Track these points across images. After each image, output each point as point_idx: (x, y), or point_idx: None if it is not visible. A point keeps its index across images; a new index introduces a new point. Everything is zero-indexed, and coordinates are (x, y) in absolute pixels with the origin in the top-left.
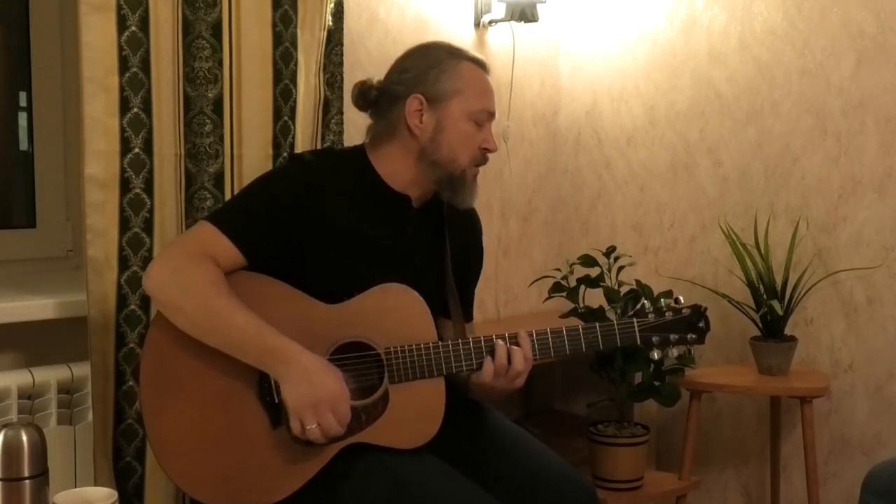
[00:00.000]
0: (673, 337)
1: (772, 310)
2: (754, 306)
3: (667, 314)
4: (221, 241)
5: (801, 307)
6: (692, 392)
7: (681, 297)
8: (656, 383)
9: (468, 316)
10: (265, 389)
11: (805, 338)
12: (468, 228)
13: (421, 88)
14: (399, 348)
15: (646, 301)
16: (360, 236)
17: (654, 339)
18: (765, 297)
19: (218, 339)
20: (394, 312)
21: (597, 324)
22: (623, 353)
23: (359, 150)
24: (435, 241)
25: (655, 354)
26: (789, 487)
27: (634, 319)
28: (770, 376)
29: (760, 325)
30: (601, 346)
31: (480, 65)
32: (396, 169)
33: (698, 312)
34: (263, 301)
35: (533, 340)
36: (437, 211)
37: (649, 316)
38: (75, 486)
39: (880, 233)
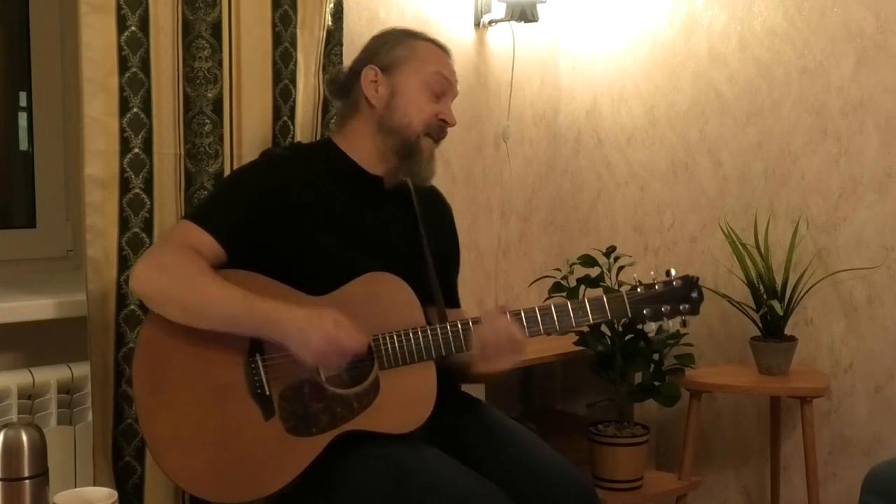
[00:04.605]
0: (665, 308)
1: (772, 310)
2: (754, 306)
3: (657, 286)
4: (201, 235)
5: (801, 307)
6: (692, 392)
7: (673, 270)
8: (656, 383)
9: (454, 302)
10: (255, 383)
11: (805, 338)
12: (437, 209)
13: (375, 59)
14: (387, 335)
15: (635, 275)
16: (337, 221)
17: (646, 311)
18: (765, 297)
19: (211, 319)
20: (381, 300)
21: (586, 298)
22: (623, 352)
23: (326, 140)
24: (409, 222)
25: (648, 328)
26: (789, 487)
27: (624, 292)
28: (770, 376)
29: (760, 325)
30: (591, 321)
31: (439, 46)
32: (361, 145)
33: (690, 283)
34: None
35: (522, 318)
36: (407, 194)
37: (638, 288)
38: (75, 486)
39: (880, 233)
